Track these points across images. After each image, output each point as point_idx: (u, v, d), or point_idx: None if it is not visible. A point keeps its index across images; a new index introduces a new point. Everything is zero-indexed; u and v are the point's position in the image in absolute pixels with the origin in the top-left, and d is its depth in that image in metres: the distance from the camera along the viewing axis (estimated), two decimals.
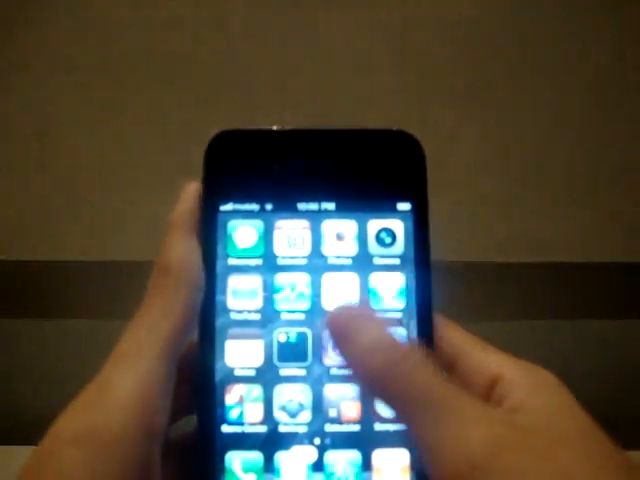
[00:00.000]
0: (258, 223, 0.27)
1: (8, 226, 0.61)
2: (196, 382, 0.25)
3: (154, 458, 0.22)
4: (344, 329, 0.22)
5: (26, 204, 0.61)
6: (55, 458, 0.20)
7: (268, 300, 0.26)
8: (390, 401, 0.22)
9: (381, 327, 0.23)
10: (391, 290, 0.27)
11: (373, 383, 0.22)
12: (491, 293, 0.62)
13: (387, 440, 0.25)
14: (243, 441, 0.25)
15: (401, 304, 0.26)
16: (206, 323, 0.25)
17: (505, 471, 0.19)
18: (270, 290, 0.26)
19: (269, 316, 0.26)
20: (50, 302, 0.64)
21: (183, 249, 0.25)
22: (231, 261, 0.26)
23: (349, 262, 0.27)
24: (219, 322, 0.26)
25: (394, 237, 0.27)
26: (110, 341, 0.74)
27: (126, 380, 0.22)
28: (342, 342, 0.22)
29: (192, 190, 0.27)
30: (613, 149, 0.60)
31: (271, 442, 0.25)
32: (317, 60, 0.59)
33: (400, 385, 0.21)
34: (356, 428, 0.25)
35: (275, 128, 0.27)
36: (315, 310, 0.26)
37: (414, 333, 0.26)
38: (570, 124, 0.60)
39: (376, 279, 0.27)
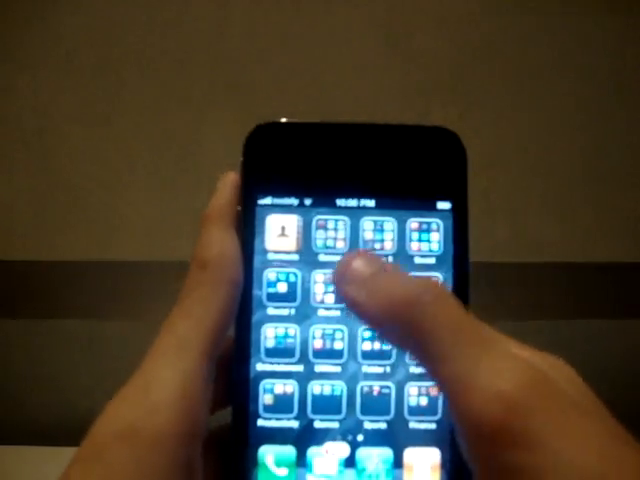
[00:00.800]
0: (297, 218, 0.26)
1: (8, 226, 0.61)
2: (232, 377, 0.25)
3: (197, 454, 0.22)
4: (363, 264, 0.22)
5: (26, 204, 0.61)
6: (104, 454, 0.20)
7: (305, 296, 0.26)
8: (412, 334, 0.21)
9: (401, 269, 0.23)
10: None
11: (394, 315, 0.21)
12: (491, 293, 0.62)
13: (419, 438, 0.25)
14: (277, 435, 0.25)
15: None
16: (243, 318, 0.25)
17: (539, 415, 0.18)
18: (307, 286, 0.26)
19: (306, 312, 0.26)
20: (49, 302, 0.64)
21: (222, 244, 0.24)
22: (269, 256, 0.26)
23: (386, 260, 0.26)
24: (256, 317, 0.26)
25: (433, 236, 0.27)
26: (109, 341, 0.74)
27: (170, 377, 0.22)
28: (357, 275, 0.22)
29: (229, 181, 0.26)
30: (614, 149, 0.61)
31: (304, 437, 0.25)
32: (317, 60, 0.59)
33: (428, 315, 0.20)
34: (389, 425, 0.25)
35: (315, 122, 0.27)
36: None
37: None
38: (571, 124, 0.60)
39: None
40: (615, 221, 0.62)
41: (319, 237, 0.26)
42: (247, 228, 0.26)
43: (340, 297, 0.23)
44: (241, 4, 0.58)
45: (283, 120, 0.27)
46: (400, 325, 0.21)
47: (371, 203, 0.26)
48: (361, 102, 0.59)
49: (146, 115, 0.59)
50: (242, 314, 0.25)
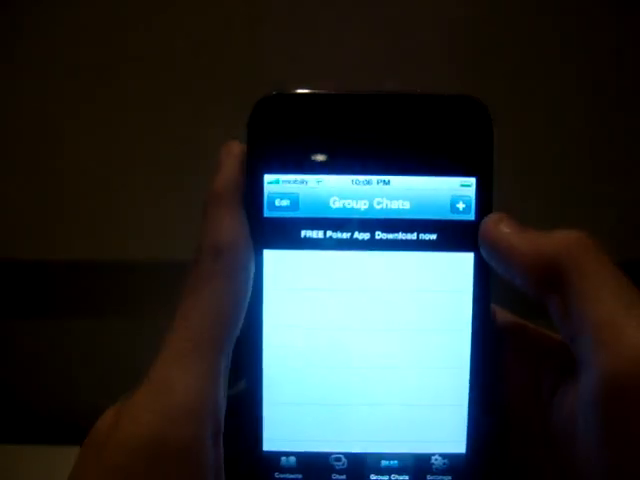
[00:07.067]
0: (307, 198, 0.24)
1: (7, 226, 0.61)
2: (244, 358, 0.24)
3: (221, 451, 0.21)
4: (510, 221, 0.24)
5: (26, 204, 0.60)
6: (131, 468, 0.19)
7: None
8: (561, 276, 0.22)
9: None
10: (448, 271, 0.25)
11: (544, 256, 0.22)
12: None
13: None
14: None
15: (458, 286, 0.25)
16: (253, 308, 0.24)
17: None
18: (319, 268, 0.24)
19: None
20: (50, 302, 0.63)
21: (234, 228, 0.23)
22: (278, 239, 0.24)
23: (404, 240, 0.24)
24: (266, 308, 0.24)
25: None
26: (110, 341, 0.74)
27: (189, 381, 0.21)
28: (507, 225, 0.24)
29: (235, 154, 0.24)
30: (614, 148, 0.60)
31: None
32: (317, 60, 0.59)
33: (579, 260, 0.22)
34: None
35: (328, 92, 0.25)
36: (369, 291, 0.24)
37: (469, 315, 0.25)
38: (570, 123, 0.60)
39: (432, 259, 0.25)
40: (616, 220, 0.61)
41: (332, 218, 0.24)
42: (255, 208, 0.24)
43: (490, 242, 0.23)
44: (242, 4, 0.58)
45: (291, 91, 0.24)
46: (548, 268, 0.22)
47: (389, 180, 0.24)
48: None
49: (146, 115, 0.59)
50: (253, 304, 0.24)
